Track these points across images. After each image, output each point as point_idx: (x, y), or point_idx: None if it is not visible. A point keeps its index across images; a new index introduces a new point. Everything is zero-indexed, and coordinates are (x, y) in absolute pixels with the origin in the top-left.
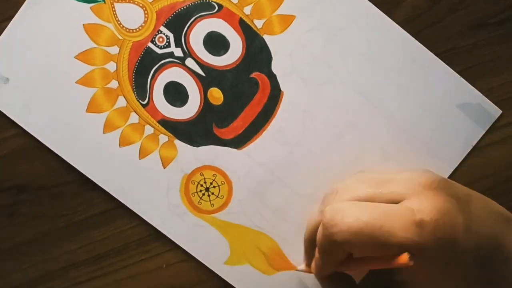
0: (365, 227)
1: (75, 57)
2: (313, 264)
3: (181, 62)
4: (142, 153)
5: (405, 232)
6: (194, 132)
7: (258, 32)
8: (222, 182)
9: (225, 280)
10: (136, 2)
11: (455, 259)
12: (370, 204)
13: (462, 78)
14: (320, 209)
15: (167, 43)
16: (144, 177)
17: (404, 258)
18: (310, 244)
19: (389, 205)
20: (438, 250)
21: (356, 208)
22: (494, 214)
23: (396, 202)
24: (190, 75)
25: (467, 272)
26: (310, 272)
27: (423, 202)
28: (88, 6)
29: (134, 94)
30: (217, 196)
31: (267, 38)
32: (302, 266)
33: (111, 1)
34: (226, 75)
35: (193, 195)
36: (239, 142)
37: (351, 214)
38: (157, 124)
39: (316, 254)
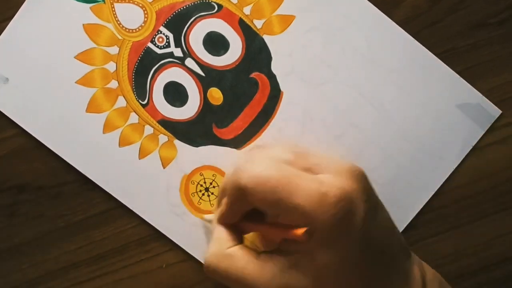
0: (271, 179)
1: (75, 57)
2: (217, 210)
3: (180, 62)
4: (142, 153)
5: (306, 198)
6: (194, 132)
7: (258, 32)
8: None
9: None
10: (136, 2)
11: (342, 242)
12: (284, 165)
13: (462, 78)
14: (239, 155)
15: (166, 43)
16: (144, 177)
17: (300, 231)
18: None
19: (301, 172)
20: (330, 226)
21: (269, 162)
22: (394, 236)
23: (312, 173)
24: (190, 75)
25: (352, 244)
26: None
27: (335, 181)
28: (88, 6)
29: (134, 94)
30: (217, 196)
31: (266, 38)
32: (209, 215)
33: (111, 1)
34: (226, 75)
35: (193, 195)
36: (239, 142)
37: (262, 165)
38: (157, 124)
39: (223, 200)
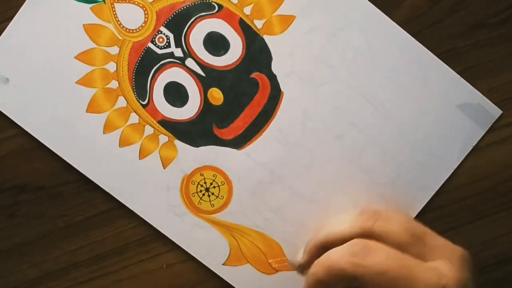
0: (389, 271)
1: (75, 57)
2: (306, 275)
3: (181, 62)
4: (142, 154)
5: None
6: (194, 132)
7: (258, 32)
8: (222, 183)
9: (225, 280)
10: (136, 2)
11: None
12: (400, 253)
13: (462, 78)
14: (352, 223)
15: (167, 43)
16: (144, 178)
17: None
18: (317, 250)
19: (418, 261)
20: None
21: (387, 250)
22: None
23: (425, 257)
24: (190, 75)
25: None
26: (298, 271)
27: (451, 269)
28: (88, 6)
29: (134, 94)
30: (217, 197)
31: (267, 38)
32: (296, 260)
33: (111, 1)
34: (226, 76)
35: (193, 195)
36: (239, 142)
37: (381, 255)
38: (157, 124)
39: (313, 269)
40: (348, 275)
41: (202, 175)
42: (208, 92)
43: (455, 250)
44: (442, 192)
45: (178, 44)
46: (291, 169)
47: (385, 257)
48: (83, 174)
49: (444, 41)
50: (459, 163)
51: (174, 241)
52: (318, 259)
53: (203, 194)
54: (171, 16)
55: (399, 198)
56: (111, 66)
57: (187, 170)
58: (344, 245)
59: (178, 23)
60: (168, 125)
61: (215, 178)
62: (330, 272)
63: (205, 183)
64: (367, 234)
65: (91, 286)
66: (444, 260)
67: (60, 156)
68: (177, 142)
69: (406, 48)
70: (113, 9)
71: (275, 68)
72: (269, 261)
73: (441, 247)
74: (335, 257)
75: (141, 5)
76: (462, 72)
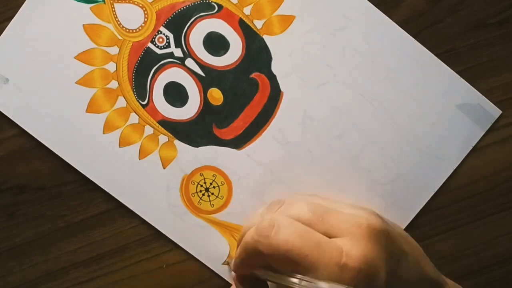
0: (292, 250)
1: (75, 58)
2: (233, 260)
3: (181, 62)
4: (142, 154)
5: (326, 270)
6: (194, 133)
7: (258, 32)
8: (222, 183)
9: (225, 280)
10: (136, 3)
11: None
12: (306, 229)
13: (462, 79)
14: (262, 213)
15: (167, 44)
16: (144, 178)
17: None
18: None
19: (322, 237)
20: None
21: (292, 227)
22: (424, 277)
23: (331, 236)
24: (190, 75)
25: None
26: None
27: (354, 246)
28: (88, 6)
29: (134, 94)
30: (217, 197)
31: (267, 38)
32: (229, 259)
33: (111, 1)
34: (226, 76)
35: (193, 195)
36: (239, 142)
37: (285, 232)
38: (157, 124)
39: (237, 251)
40: (256, 251)
41: (202, 175)
42: (208, 92)
43: (359, 223)
44: (442, 193)
45: (178, 44)
46: (291, 169)
47: (291, 233)
48: (83, 174)
49: (444, 41)
50: (459, 163)
51: (174, 241)
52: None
53: (203, 194)
54: (171, 16)
55: (399, 198)
56: (111, 66)
57: (187, 170)
58: (255, 225)
59: (178, 23)
60: (168, 125)
61: (215, 178)
62: (246, 251)
63: (205, 183)
64: None
65: (91, 286)
66: (349, 235)
67: (60, 156)
68: (177, 142)
69: (406, 48)
70: (113, 9)
71: (275, 68)
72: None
73: (345, 221)
74: (247, 236)
75: (141, 5)
76: (462, 72)
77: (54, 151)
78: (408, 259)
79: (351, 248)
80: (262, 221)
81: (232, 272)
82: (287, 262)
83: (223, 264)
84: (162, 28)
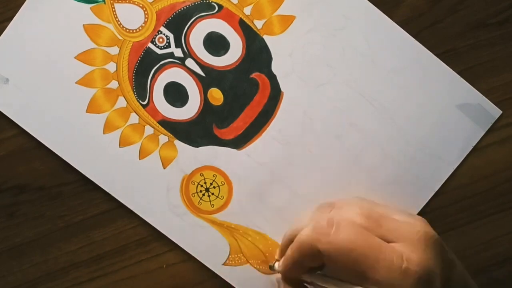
0: (354, 250)
1: (75, 58)
2: (281, 262)
3: (181, 62)
4: (142, 154)
5: (388, 273)
6: (194, 133)
7: (258, 32)
8: (222, 183)
9: (225, 280)
10: (136, 3)
11: None
12: (365, 231)
13: (462, 79)
14: (312, 216)
15: (167, 44)
16: (144, 178)
17: None
18: (288, 247)
19: (382, 241)
20: None
21: (352, 229)
22: (469, 284)
23: (387, 241)
24: (190, 75)
25: None
26: (276, 272)
27: (414, 252)
28: (88, 6)
29: (134, 94)
30: (217, 197)
31: (267, 38)
32: (275, 263)
33: (111, 1)
34: (226, 76)
35: (193, 195)
36: (239, 142)
37: (345, 231)
38: (157, 124)
39: (288, 252)
40: (314, 251)
41: (202, 175)
42: (208, 92)
43: (415, 230)
44: (442, 192)
45: (178, 44)
46: (291, 169)
47: (351, 233)
48: (83, 174)
49: (444, 41)
50: (459, 163)
51: (174, 241)
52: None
53: (203, 194)
54: (171, 16)
55: (399, 198)
56: (111, 66)
57: (187, 170)
58: (311, 224)
59: (178, 23)
60: (168, 125)
61: (215, 178)
62: (300, 250)
63: (205, 183)
64: None
65: (91, 286)
66: (405, 241)
67: (60, 156)
68: (177, 142)
69: (406, 48)
70: (113, 9)
71: (275, 68)
72: (270, 264)
73: (401, 228)
74: (303, 235)
75: (141, 5)
76: (462, 72)
77: (54, 151)
78: (457, 268)
79: (411, 254)
80: (319, 220)
81: (277, 275)
82: (348, 262)
83: (271, 269)
84: (162, 28)
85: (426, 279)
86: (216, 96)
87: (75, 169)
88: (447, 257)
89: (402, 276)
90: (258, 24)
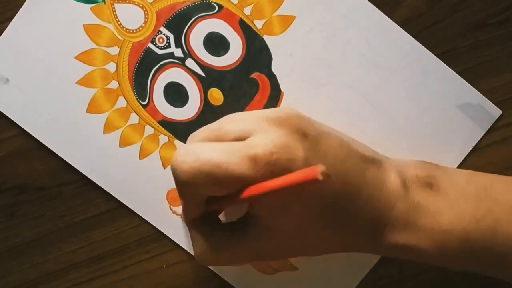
0: (203, 166)
1: (75, 58)
2: (181, 210)
3: (181, 62)
4: (142, 154)
5: (240, 168)
6: None
7: (258, 32)
8: None
9: (225, 280)
10: (136, 3)
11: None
12: (213, 143)
13: (462, 79)
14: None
15: (167, 44)
16: (144, 178)
17: (312, 173)
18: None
19: (231, 143)
20: None
21: (198, 148)
22: (353, 153)
23: (243, 139)
24: (190, 75)
25: (305, 208)
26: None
27: (262, 137)
28: (88, 6)
29: (134, 94)
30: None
31: (267, 38)
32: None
33: (111, 1)
34: (226, 76)
35: None
36: None
37: (191, 155)
38: (157, 124)
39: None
40: (180, 188)
41: None
42: (208, 92)
43: (266, 116)
44: None
45: (178, 45)
46: None
47: (194, 157)
48: (83, 174)
49: (444, 41)
50: (459, 163)
51: (175, 241)
52: None
53: None
54: (171, 17)
55: None
56: (111, 66)
57: None
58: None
59: (178, 23)
60: (168, 125)
61: None
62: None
63: None
64: None
65: (91, 286)
66: (259, 131)
67: (60, 156)
68: (177, 142)
69: (406, 48)
70: (113, 9)
71: (275, 68)
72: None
73: (254, 118)
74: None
75: (141, 5)
76: (462, 72)
77: (54, 151)
78: (330, 137)
79: (259, 140)
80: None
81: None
82: (204, 180)
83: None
84: (162, 28)
85: (279, 156)
86: (216, 96)
87: (75, 169)
88: (310, 127)
89: (253, 163)
90: (258, 24)
